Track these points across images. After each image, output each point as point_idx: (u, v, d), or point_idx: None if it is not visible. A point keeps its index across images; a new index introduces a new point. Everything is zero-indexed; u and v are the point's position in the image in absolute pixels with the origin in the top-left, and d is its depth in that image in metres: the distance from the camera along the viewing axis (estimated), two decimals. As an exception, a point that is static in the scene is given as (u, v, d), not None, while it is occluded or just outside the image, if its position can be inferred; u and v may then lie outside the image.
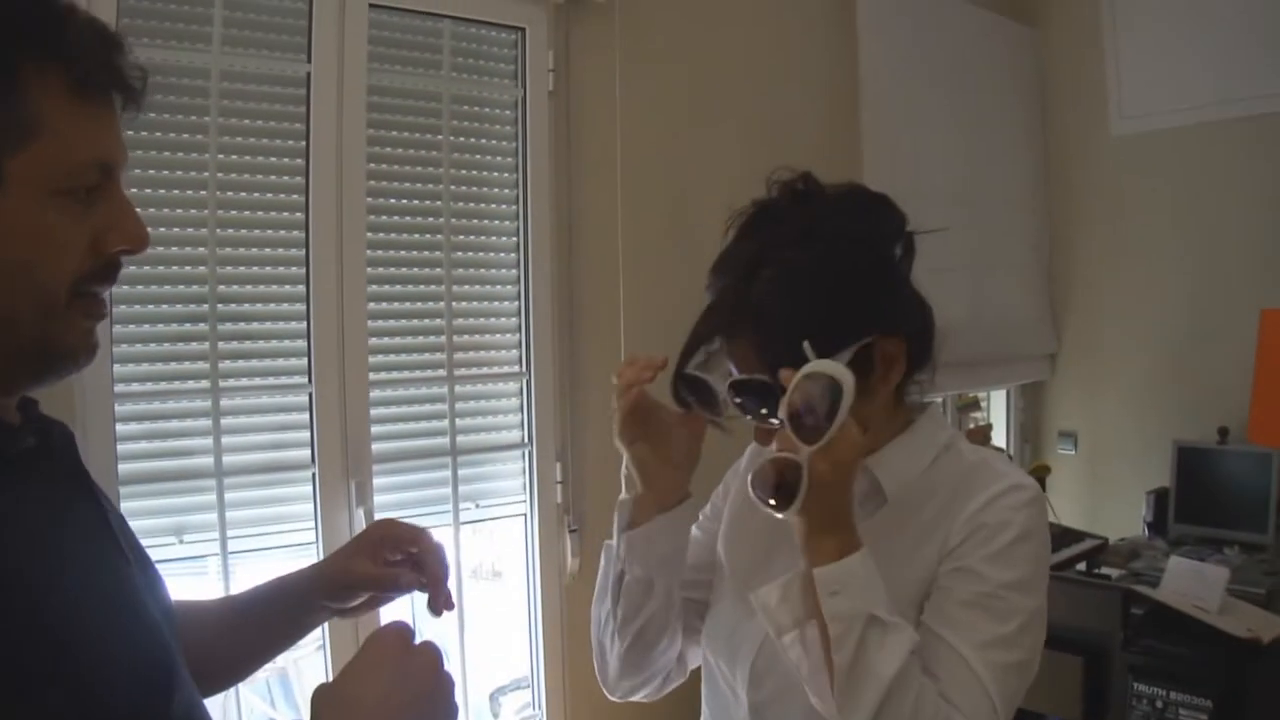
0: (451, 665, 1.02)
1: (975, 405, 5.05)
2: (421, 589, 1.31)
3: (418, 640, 0.95)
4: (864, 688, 1.11)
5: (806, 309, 1.22)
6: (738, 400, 1.25)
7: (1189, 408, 4.72)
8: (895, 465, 1.33)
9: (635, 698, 1.53)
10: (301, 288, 2.66)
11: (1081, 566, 4.21)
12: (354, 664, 0.92)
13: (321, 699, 0.89)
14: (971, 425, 4.92)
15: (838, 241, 1.26)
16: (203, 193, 2.50)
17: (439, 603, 1.30)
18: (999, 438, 5.33)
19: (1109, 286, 5.08)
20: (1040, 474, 4.87)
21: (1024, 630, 1.22)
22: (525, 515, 3.13)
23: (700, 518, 1.57)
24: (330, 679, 0.93)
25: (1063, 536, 4.32)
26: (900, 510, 1.32)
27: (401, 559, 1.32)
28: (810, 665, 1.16)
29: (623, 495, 1.44)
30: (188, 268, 2.51)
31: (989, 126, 4.87)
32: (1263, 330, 2.63)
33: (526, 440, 3.13)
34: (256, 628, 1.34)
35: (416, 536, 1.33)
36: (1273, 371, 2.63)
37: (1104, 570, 4.24)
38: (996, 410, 5.49)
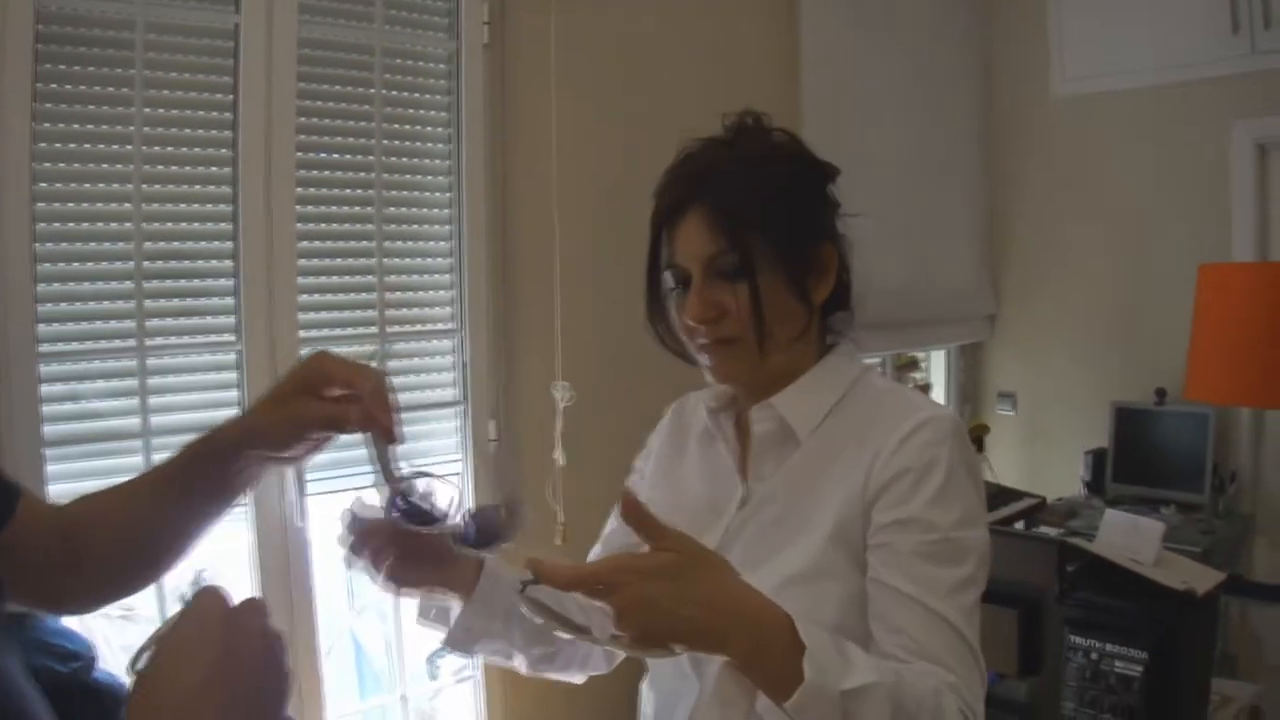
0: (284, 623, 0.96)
1: (914, 365, 5.20)
2: (367, 426, 1.25)
3: (235, 602, 0.88)
4: None
5: (768, 190, 1.36)
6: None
7: (1127, 369, 4.91)
8: (804, 400, 1.40)
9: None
10: (230, 244, 2.69)
11: (1020, 525, 4.38)
12: (168, 652, 0.83)
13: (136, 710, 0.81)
14: (911, 385, 5.06)
15: (790, 153, 1.43)
16: (128, 147, 2.52)
17: (393, 432, 1.26)
18: (938, 398, 5.47)
19: (1048, 248, 5.26)
20: (979, 434, 5.06)
21: (980, 563, 1.28)
22: (460, 475, 3.19)
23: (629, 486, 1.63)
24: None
25: (1001, 495, 4.49)
26: (816, 449, 1.38)
27: (342, 395, 1.24)
28: None
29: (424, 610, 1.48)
30: (113, 224, 2.53)
31: (931, 89, 5.01)
32: (1200, 286, 2.76)
33: (461, 398, 3.19)
34: (181, 497, 1.26)
35: (355, 370, 1.25)
36: (1209, 327, 2.76)
37: (1042, 529, 4.39)
38: (936, 371, 5.64)
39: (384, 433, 1.25)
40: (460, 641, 1.46)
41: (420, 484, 1.30)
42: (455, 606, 1.45)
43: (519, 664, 1.54)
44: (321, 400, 1.23)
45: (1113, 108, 4.98)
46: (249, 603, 0.89)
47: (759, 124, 1.44)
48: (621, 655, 1.51)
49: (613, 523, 1.62)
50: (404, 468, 1.29)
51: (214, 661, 0.82)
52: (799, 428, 1.39)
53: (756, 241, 1.32)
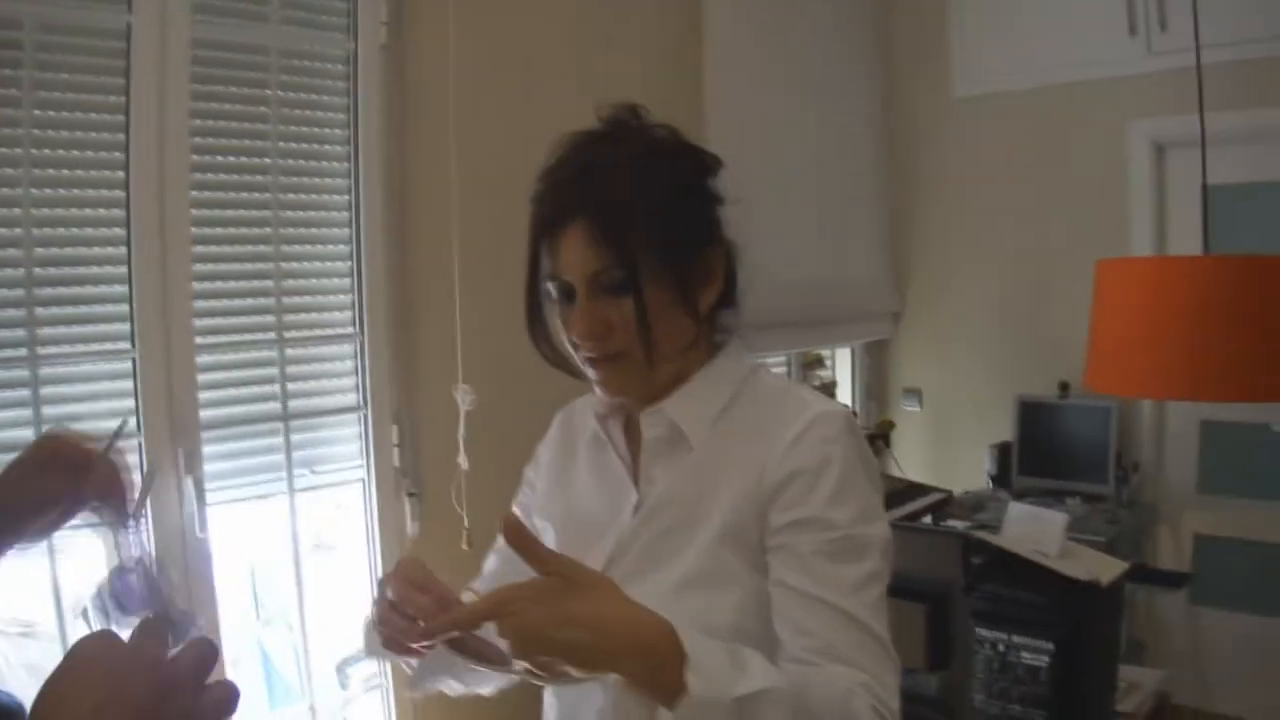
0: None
1: (819, 363, 5.26)
2: (107, 501, 1.23)
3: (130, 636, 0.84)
4: None
5: (651, 198, 1.32)
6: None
7: (1030, 363, 5.04)
8: (694, 403, 1.39)
9: None
10: (123, 249, 2.65)
11: (928, 519, 4.46)
12: (54, 686, 0.79)
13: None
14: (816, 383, 5.13)
15: (671, 151, 1.40)
16: (17, 150, 2.49)
17: (129, 510, 1.24)
18: (844, 395, 5.56)
19: (951, 245, 5.38)
20: (885, 430, 5.16)
21: (883, 557, 1.28)
22: (363, 480, 3.19)
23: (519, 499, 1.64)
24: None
25: (908, 491, 4.57)
26: (708, 452, 1.37)
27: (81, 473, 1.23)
28: None
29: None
30: (2, 230, 2.49)
31: (834, 90, 5.11)
32: (1098, 280, 2.84)
33: (361, 403, 3.18)
34: None
35: (88, 449, 1.25)
36: (1107, 320, 2.83)
37: (950, 523, 4.49)
38: (841, 368, 5.72)
39: (118, 516, 1.24)
40: (419, 681, 1.47)
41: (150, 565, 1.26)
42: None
43: (453, 690, 1.55)
44: (56, 478, 1.22)
45: (1013, 107, 5.12)
46: (146, 624, 0.88)
47: (637, 118, 1.42)
48: None
49: (492, 561, 1.61)
50: (138, 548, 1.26)
51: (104, 692, 0.78)
52: (690, 431, 1.38)
53: (642, 255, 1.30)
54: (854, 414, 5.31)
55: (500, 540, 1.57)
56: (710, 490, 1.34)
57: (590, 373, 1.38)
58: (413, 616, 1.26)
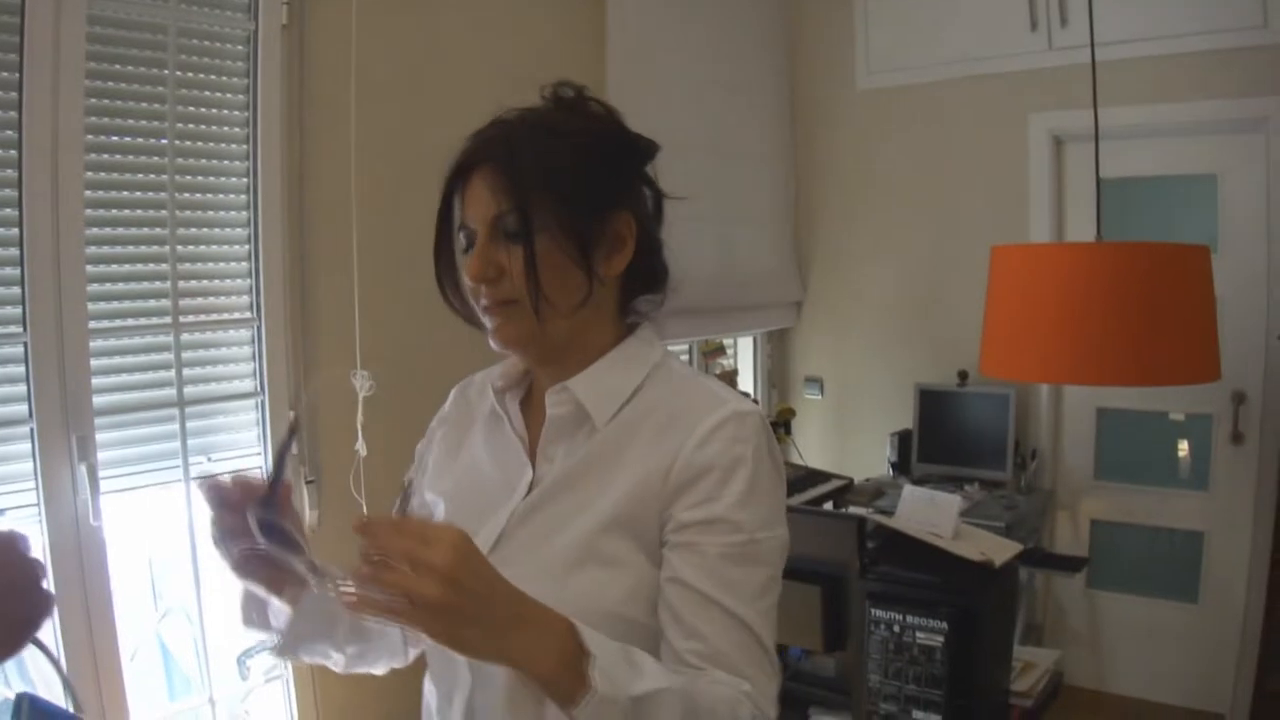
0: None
1: (721, 351, 5.33)
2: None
3: None
4: None
5: (557, 152, 1.33)
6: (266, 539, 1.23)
7: (930, 352, 5.17)
8: (602, 385, 1.38)
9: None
10: (14, 230, 2.62)
11: (829, 506, 4.58)
12: None
13: None
14: (718, 371, 5.20)
15: (597, 122, 1.41)
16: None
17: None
18: (745, 383, 5.64)
19: (853, 236, 5.50)
20: (785, 418, 5.25)
21: (781, 562, 1.31)
22: (260, 468, 3.18)
23: (408, 481, 1.63)
24: None
25: (809, 478, 4.68)
26: (612, 435, 1.36)
27: None
28: None
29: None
30: (-112, 210, 2.45)
31: (737, 80, 5.19)
32: (993, 266, 2.93)
33: (259, 389, 3.19)
34: None
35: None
36: (1001, 306, 2.92)
37: (850, 509, 4.59)
38: (743, 357, 5.81)
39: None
40: (289, 648, 1.47)
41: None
42: (276, 604, 1.43)
43: (335, 663, 1.54)
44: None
45: (916, 100, 5.25)
46: (6, 534, 1.05)
47: (578, 95, 1.42)
48: (419, 649, 1.56)
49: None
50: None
51: None
52: (596, 413, 1.37)
53: (539, 203, 1.30)
54: (755, 403, 5.41)
55: (412, 468, 1.63)
56: (610, 474, 1.33)
57: (485, 320, 1.37)
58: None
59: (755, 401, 5.51)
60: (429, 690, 1.50)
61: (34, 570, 1.08)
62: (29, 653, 1.11)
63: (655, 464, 1.31)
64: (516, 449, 1.45)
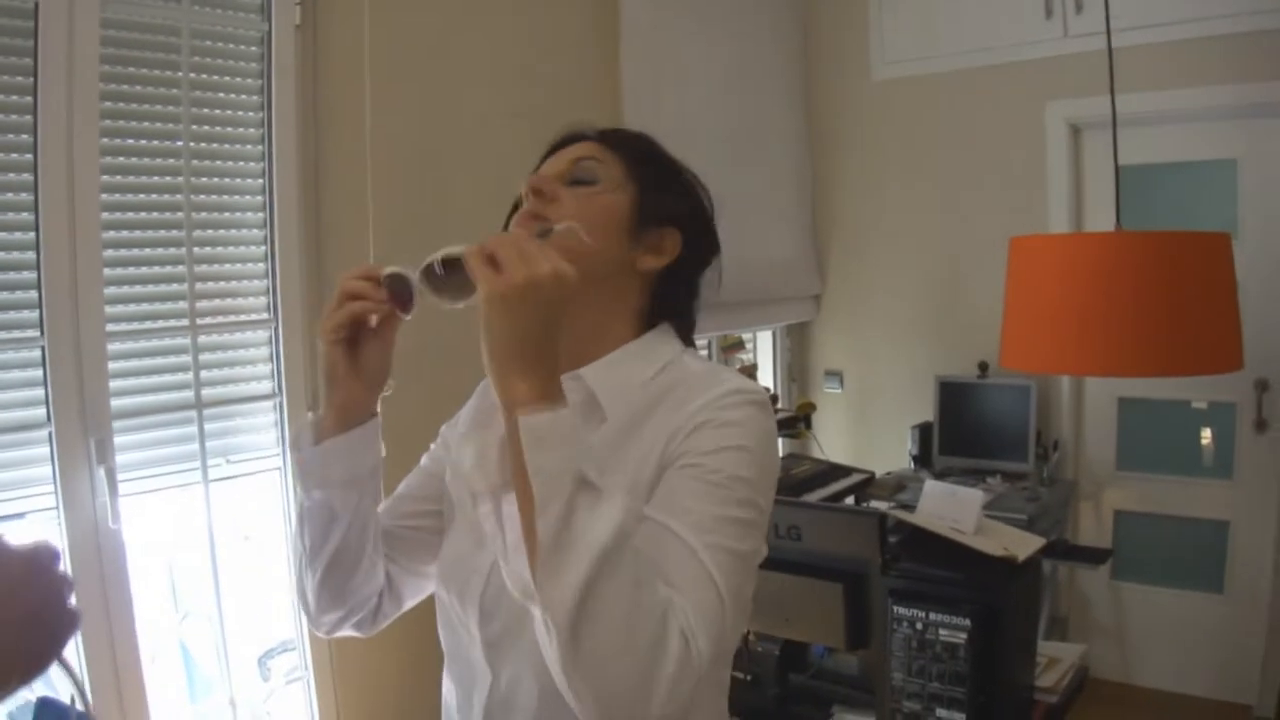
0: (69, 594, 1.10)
1: (740, 346, 5.33)
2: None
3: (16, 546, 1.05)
4: (572, 558, 1.06)
5: (656, 159, 1.50)
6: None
7: (950, 343, 5.16)
8: (616, 375, 1.40)
9: (344, 631, 1.55)
10: (31, 235, 2.63)
11: (850, 500, 4.56)
12: None
13: None
14: (738, 365, 5.19)
15: (678, 162, 1.54)
16: (-82, 135, 2.45)
17: None
18: (765, 378, 5.63)
19: (871, 228, 5.48)
20: (805, 412, 5.23)
21: (749, 526, 1.25)
22: (280, 469, 3.20)
23: (431, 449, 1.68)
24: None
25: (830, 472, 4.66)
26: (622, 425, 1.36)
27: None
28: (509, 540, 1.13)
29: (309, 417, 1.47)
30: (-97, 216, 2.45)
31: (752, 72, 5.17)
32: (1012, 258, 2.92)
33: (276, 390, 3.19)
34: None
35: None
36: (1021, 298, 2.91)
37: (872, 504, 4.59)
38: (763, 351, 5.81)
39: None
40: (311, 469, 1.44)
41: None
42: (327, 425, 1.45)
43: (318, 560, 1.47)
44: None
45: (932, 90, 5.24)
46: (37, 545, 1.06)
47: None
48: (416, 596, 1.60)
49: (425, 460, 1.66)
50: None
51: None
52: (606, 402, 1.37)
53: (623, 171, 1.44)
54: (776, 398, 5.41)
55: (436, 442, 1.66)
56: (615, 463, 1.32)
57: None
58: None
59: (775, 396, 5.51)
60: (448, 689, 1.50)
61: (60, 589, 1.07)
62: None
63: (658, 442, 1.32)
64: None
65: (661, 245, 1.44)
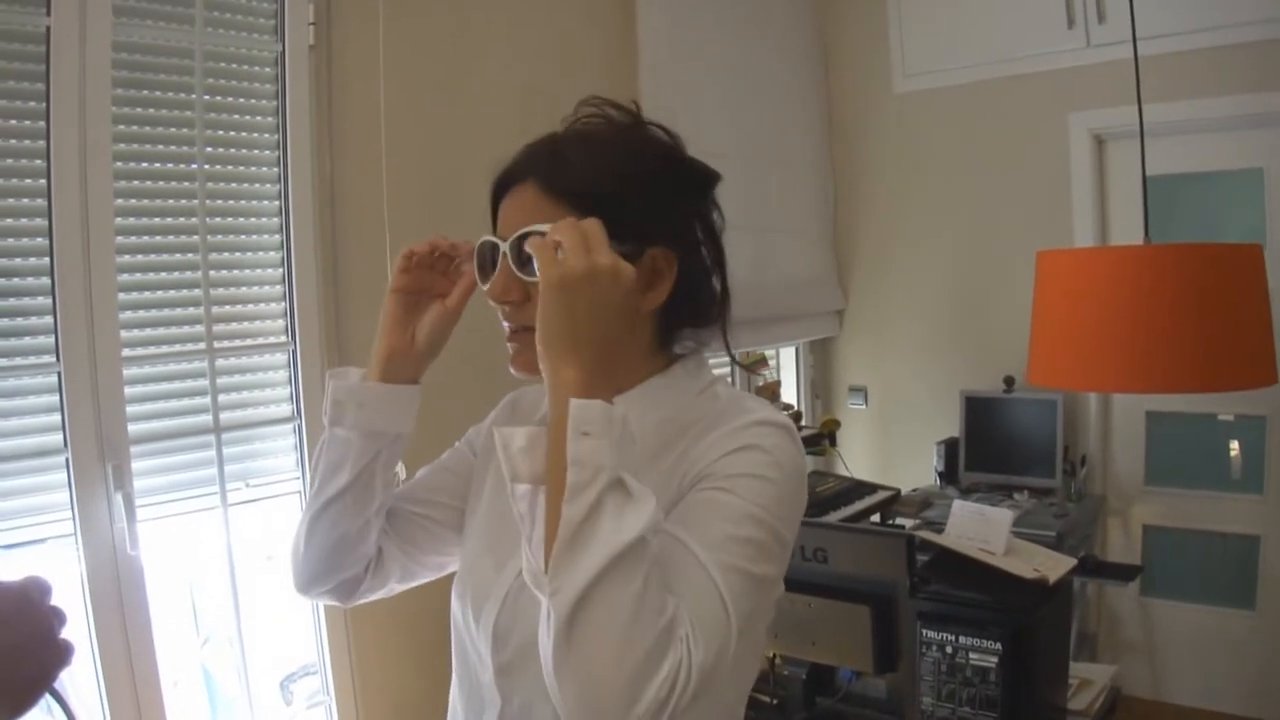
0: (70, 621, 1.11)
1: (763, 362, 5.29)
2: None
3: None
4: (588, 552, 1.05)
5: (605, 178, 1.30)
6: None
7: (975, 358, 5.11)
8: (637, 407, 1.31)
9: (322, 596, 1.57)
10: (45, 260, 2.62)
11: (875, 518, 4.51)
12: None
13: None
14: (760, 382, 5.16)
15: (652, 146, 1.38)
16: (-69, 160, 2.44)
17: None
18: (789, 394, 5.60)
19: (894, 242, 5.45)
20: (830, 429, 5.19)
21: (765, 550, 1.21)
22: (299, 493, 3.17)
23: (455, 446, 1.66)
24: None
25: (855, 489, 4.62)
26: (649, 452, 1.30)
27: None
28: (536, 529, 1.12)
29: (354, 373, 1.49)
30: (-82, 242, 2.45)
31: (772, 86, 5.15)
32: (1039, 272, 2.88)
33: (296, 414, 3.17)
34: None
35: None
36: (1048, 313, 2.87)
37: (898, 521, 4.57)
38: (786, 367, 5.77)
39: None
40: (343, 402, 1.47)
41: None
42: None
43: (314, 502, 1.49)
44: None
45: (953, 102, 5.20)
46: (28, 580, 1.07)
47: (634, 115, 1.41)
48: (404, 582, 1.60)
49: (445, 456, 1.65)
50: None
51: None
52: (634, 426, 1.22)
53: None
54: (799, 415, 5.37)
55: (445, 455, 1.65)
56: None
57: (508, 345, 1.36)
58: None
59: (798, 414, 5.46)
60: (455, 709, 1.49)
61: (49, 623, 1.07)
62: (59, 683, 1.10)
63: (683, 464, 1.29)
64: None
65: (656, 272, 1.32)
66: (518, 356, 1.34)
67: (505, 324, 1.35)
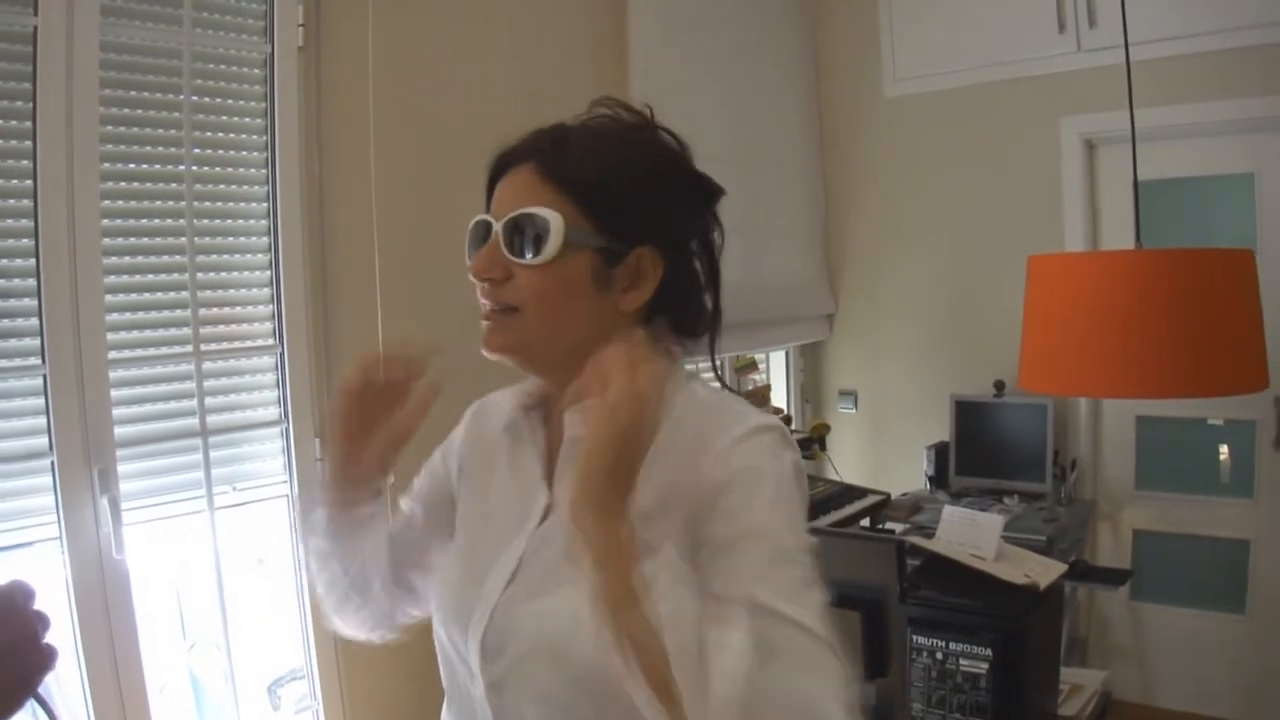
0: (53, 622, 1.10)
1: (753, 366, 5.28)
2: None
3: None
4: (717, 693, 1.07)
5: (606, 167, 1.30)
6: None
7: (965, 362, 5.11)
8: None
9: (370, 637, 1.60)
10: (31, 261, 2.60)
11: (865, 522, 4.52)
12: None
13: None
14: (751, 386, 5.15)
15: (656, 149, 1.37)
16: (-84, 160, 2.43)
17: None
18: (779, 398, 5.59)
19: (885, 246, 5.46)
20: (820, 433, 5.19)
21: (814, 563, 1.22)
22: (287, 497, 3.16)
23: (430, 468, 1.63)
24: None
25: (845, 494, 4.62)
26: None
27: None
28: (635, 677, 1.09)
29: (319, 456, 1.48)
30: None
31: (762, 90, 5.15)
32: (1030, 277, 2.88)
33: (283, 417, 3.16)
34: None
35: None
36: (1039, 318, 2.86)
37: (888, 525, 4.57)
38: (776, 371, 5.76)
39: None
40: (313, 526, 1.49)
41: None
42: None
43: (335, 585, 1.53)
44: None
45: (944, 106, 5.20)
46: (4, 590, 1.06)
47: (646, 119, 1.39)
48: (408, 620, 1.60)
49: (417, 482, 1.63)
50: None
51: None
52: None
53: (571, 214, 1.28)
54: (789, 419, 5.36)
55: (423, 479, 1.63)
56: (639, 505, 1.21)
57: (482, 325, 1.35)
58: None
59: (788, 417, 5.45)
60: None
61: (32, 627, 1.06)
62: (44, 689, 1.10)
63: (675, 487, 1.25)
64: (534, 472, 1.40)
65: (640, 273, 1.32)
66: (493, 336, 1.33)
67: (483, 302, 1.33)
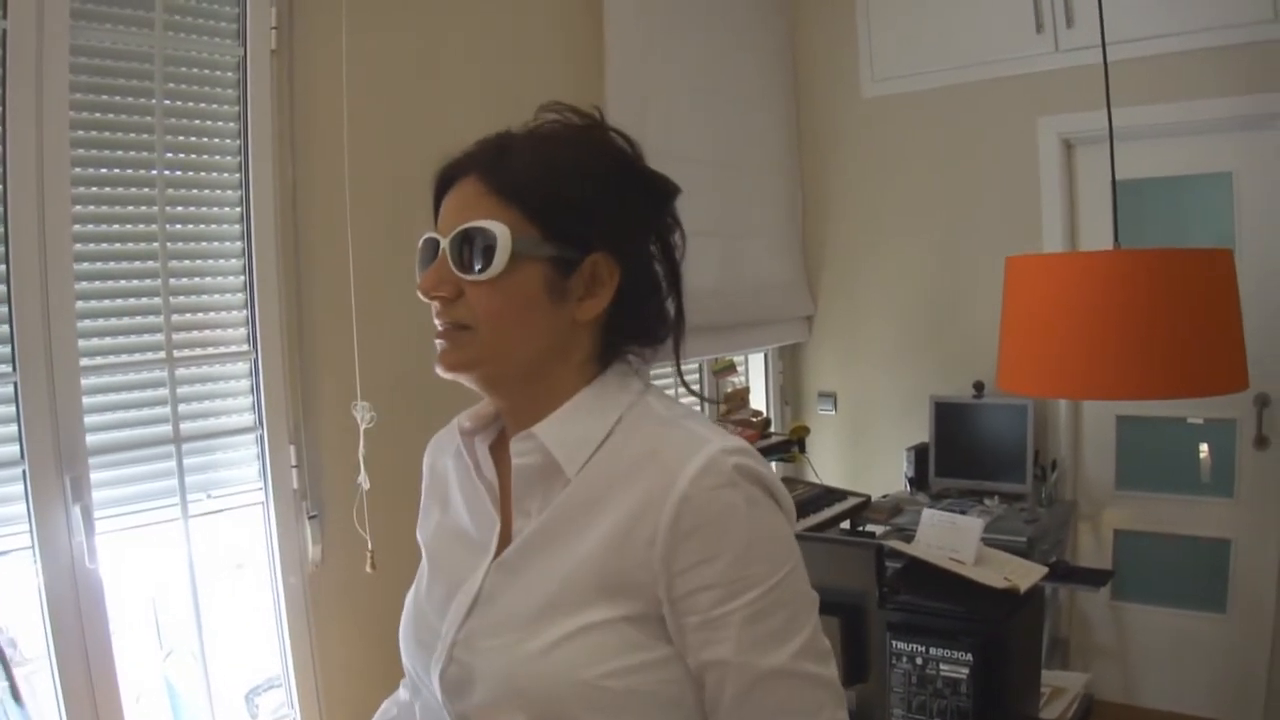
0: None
1: (732, 369, 5.28)
2: None
3: None
4: None
5: (554, 178, 1.25)
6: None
7: (944, 363, 5.13)
8: (572, 431, 1.27)
9: None
10: (1, 267, 2.57)
11: (845, 524, 4.53)
12: None
13: None
14: (730, 389, 5.15)
15: (607, 150, 1.31)
16: (-117, 166, 2.40)
17: None
18: (758, 400, 5.59)
19: (863, 247, 5.47)
20: (799, 435, 5.19)
21: (802, 588, 1.23)
22: (262, 504, 3.14)
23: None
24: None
25: (825, 496, 4.63)
26: (586, 487, 1.25)
27: None
28: None
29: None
30: None
31: (739, 90, 5.15)
32: (1008, 278, 2.88)
33: (257, 424, 3.14)
34: None
35: None
36: (1018, 319, 2.87)
37: (868, 527, 4.58)
38: (755, 373, 5.76)
39: None
40: None
41: None
42: None
43: None
44: None
45: (922, 106, 5.22)
46: None
47: (596, 121, 1.33)
48: None
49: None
50: None
51: None
52: (565, 461, 1.25)
53: (518, 226, 1.23)
54: (769, 422, 5.35)
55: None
56: (587, 530, 1.23)
57: (436, 343, 1.29)
58: None
59: (767, 420, 5.45)
60: None
61: None
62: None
63: (635, 516, 1.20)
64: (484, 500, 1.36)
65: (596, 280, 1.28)
66: (446, 355, 1.27)
67: (436, 321, 1.28)
